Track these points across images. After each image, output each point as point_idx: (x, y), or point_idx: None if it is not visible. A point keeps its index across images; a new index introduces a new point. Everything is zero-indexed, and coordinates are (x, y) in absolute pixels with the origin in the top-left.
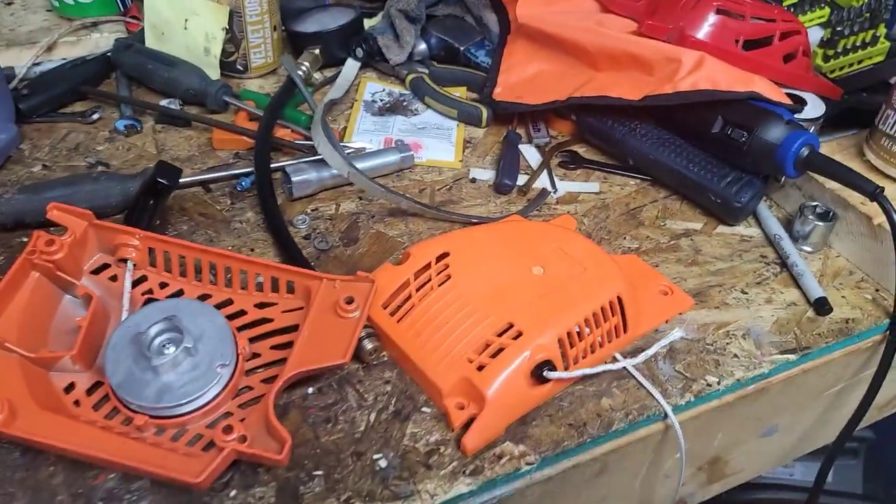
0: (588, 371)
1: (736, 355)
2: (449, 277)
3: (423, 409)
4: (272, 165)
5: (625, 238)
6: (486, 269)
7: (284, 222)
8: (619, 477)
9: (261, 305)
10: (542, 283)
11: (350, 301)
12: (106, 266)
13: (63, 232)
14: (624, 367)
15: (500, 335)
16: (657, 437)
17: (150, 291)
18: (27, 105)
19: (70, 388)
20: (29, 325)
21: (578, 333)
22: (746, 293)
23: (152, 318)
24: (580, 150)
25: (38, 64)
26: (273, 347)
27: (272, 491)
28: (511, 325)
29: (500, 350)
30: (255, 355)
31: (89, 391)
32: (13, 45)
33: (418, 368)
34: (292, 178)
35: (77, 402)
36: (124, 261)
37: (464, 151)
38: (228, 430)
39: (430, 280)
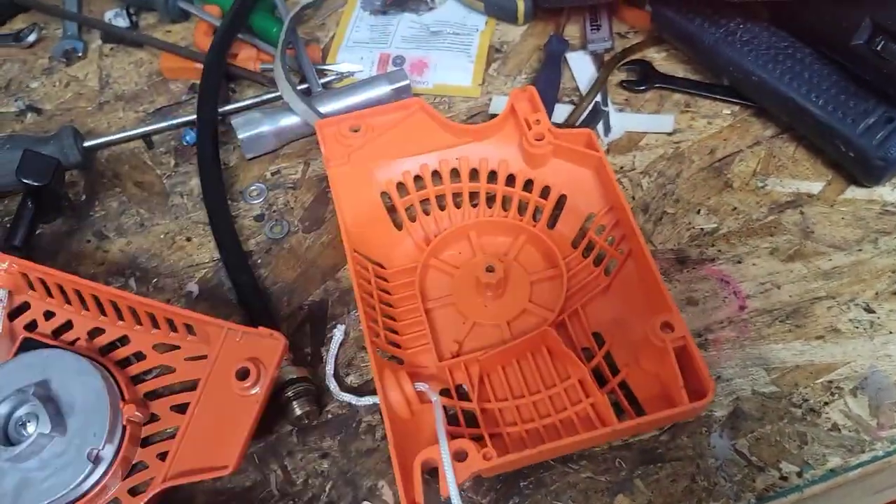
0: None
1: (836, 426)
2: None
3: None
4: (222, 109)
5: (699, 211)
6: None
7: (226, 201)
8: None
9: (161, 348)
10: None
11: (244, 375)
12: None
13: None
14: None
15: None
16: None
17: (35, 324)
18: None
19: None
20: None
21: None
22: (873, 311)
23: (12, 382)
24: (657, 57)
25: None
26: (173, 408)
27: None
28: None
29: None
30: (154, 418)
31: None
32: None
33: None
34: (238, 135)
35: None
36: None
37: (487, 68)
38: None
39: None
